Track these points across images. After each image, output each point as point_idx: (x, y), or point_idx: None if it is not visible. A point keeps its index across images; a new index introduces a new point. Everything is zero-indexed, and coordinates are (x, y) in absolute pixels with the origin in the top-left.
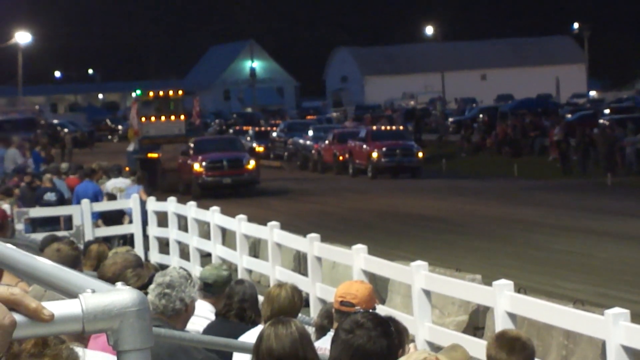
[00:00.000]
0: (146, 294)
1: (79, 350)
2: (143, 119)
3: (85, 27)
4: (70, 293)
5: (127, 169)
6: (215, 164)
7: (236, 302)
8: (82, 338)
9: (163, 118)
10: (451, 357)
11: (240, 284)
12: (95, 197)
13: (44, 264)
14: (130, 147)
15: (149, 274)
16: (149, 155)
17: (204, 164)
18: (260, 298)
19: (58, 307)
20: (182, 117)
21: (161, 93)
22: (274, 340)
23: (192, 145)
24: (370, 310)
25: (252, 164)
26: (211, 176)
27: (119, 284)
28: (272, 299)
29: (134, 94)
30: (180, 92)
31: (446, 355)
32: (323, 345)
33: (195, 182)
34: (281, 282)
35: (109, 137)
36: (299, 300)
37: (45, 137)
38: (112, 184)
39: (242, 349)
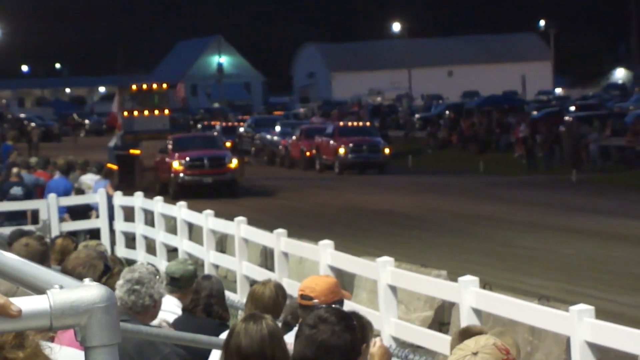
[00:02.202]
0: (107, 285)
1: (52, 346)
2: (125, 113)
3: (53, 22)
4: (38, 289)
5: (107, 165)
6: (196, 163)
7: (203, 297)
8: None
9: (147, 112)
10: (506, 343)
11: (207, 280)
12: (66, 193)
13: (12, 260)
14: (112, 142)
15: (101, 266)
16: (131, 151)
17: (183, 162)
18: (227, 293)
19: (26, 303)
20: (167, 111)
21: (144, 86)
22: (243, 337)
23: (170, 142)
24: (333, 305)
25: (234, 162)
26: (191, 175)
27: (86, 280)
28: (257, 297)
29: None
30: (164, 85)
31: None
32: (288, 340)
33: (174, 181)
34: (265, 280)
35: (75, 131)
36: (283, 298)
37: (15, 131)
38: (89, 178)
39: (209, 344)
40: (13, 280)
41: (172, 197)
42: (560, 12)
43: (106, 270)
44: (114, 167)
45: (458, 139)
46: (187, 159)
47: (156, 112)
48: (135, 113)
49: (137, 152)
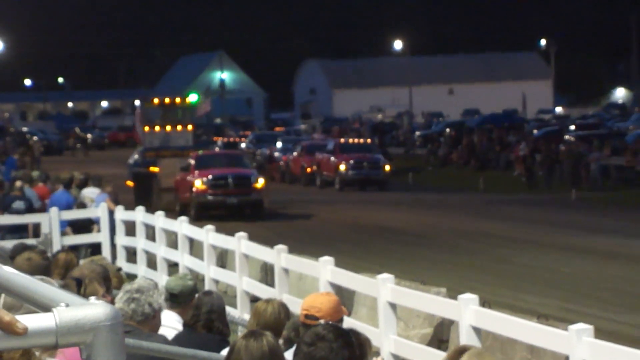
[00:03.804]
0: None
1: None
2: (147, 128)
3: (56, 36)
4: (44, 306)
5: (127, 182)
6: (220, 182)
7: (204, 313)
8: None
9: (169, 127)
10: None
11: (208, 295)
12: (68, 207)
13: (19, 277)
14: (132, 159)
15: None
16: (150, 169)
17: (206, 180)
18: (227, 309)
19: (32, 321)
20: (190, 127)
21: (167, 100)
22: (243, 353)
23: (192, 160)
24: (331, 323)
25: (260, 182)
26: (214, 195)
27: (92, 298)
28: (259, 313)
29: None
30: (187, 99)
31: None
32: (289, 357)
33: (196, 201)
34: (269, 298)
35: (78, 145)
36: (285, 316)
37: (21, 147)
38: (90, 192)
39: None
40: (19, 298)
41: (193, 219)
42: (561, 31)
43: (79, 283)
44: (131, 184)
45: (458, 156)
46: (210, 177)
47: (179, 127)
48: (157, 128)
49: (155, 169)
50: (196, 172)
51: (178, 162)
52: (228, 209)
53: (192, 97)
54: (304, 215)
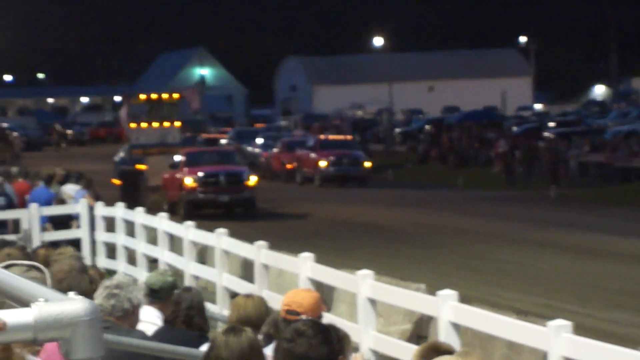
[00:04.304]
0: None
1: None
2: (133, 124)
3: (36, 32)
4: (22, 301)
5: (113, 180)
6: (211, 179)
7: (184, 309)
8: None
9: (156, 124)
10: None
11: (188, 292)
12: (48, 203)
13: None
14: (118, 156)
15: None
16: (137, 167)
17: (197, 177)
18: (207, 305)
19: (10, 316)
20: (177, 123)
21: (154, 95)
22: (223, 349)
23: (182, 157)
24: (311, 318)
25: (252, 180)
26: (205, 192)
27: (71, 294)
28: (239, 308)
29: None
30: (175, 95)
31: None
32: (269, 353)
33: (186, 198)
34: (249, 293)
35: (63, 145)
36: (265, 312)
37: (1, 142)
38: (70, 188)
39: (189, 355)
40: None
41: (183, 217)
42: (541, 28)
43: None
44: (117, 182)
45: (438, 153)
46: (201, 174)
47: (166, 124)
48: (144, 125)
49: (143, 167)
50: (186, 169)
51: (166, 160)
52: (219, 207)
53: (181, 93)
54: (283, 211)
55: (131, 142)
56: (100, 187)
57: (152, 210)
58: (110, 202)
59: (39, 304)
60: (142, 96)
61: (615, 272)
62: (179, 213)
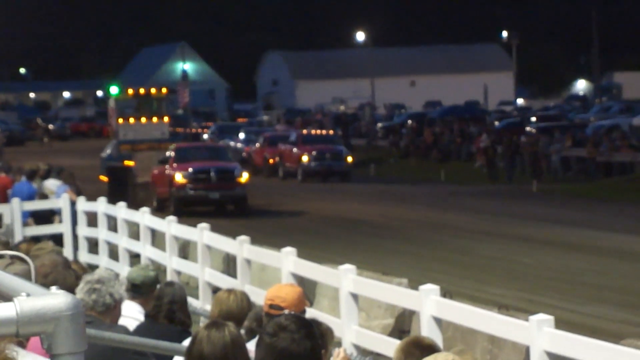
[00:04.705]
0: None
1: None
2: (120, 120)
3: (17, 26)
4: (4, 296)
5: (100, 177)
6: (201, 175)
7: (166, 304)
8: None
9: (144, 119)
10: None
11: (170, 286)
12: (30, 198)
13: None
14: (105, 152)
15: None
16: (125, 163)
17: (187, 174)
18: (189, 300)
19: None
20: (166, 119)
21: (142, 90)
22: (205, 344)
23: (172, 152)
24: (294, 313)
25: (244, 177)
26: (195, 189)
27: (53, 288)
28: (221, 302)
29: (114, 89)
30: (164, 89)
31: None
32: (251, 348)
33: (176, 195)
34: (231, 287)
35: (45, 140)
36: (247, 306)
37: None
38: (51, 183)
39: (172, 350)
40: None
41: (172, 214)
42: (523, 23)
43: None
44: (105, 179)
45: (420, 148)
46: (191, 170)
47: (154, 119)
48: (132, 120)
49: (131, 164)
50: (175, 165)
51: (155, 156)
52: (210, 204)
53: (169, 88)
54: (264, 206)
55: (119, 138)
56: (86, 182)
57: (141, 207)
58: (96, 199)
59: (21, 298)
60: (130, 91)
61: (598, 266)
62: (168, 210)
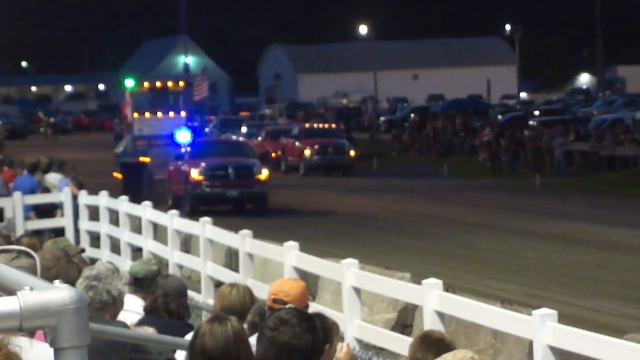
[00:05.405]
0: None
1: (25, 340)
2: (135, 114)
3: (19, 20)
4: (8, 290)
5: (114, 174)
6: (218, 172)
7: (160, 296)
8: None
9: (160, 114)
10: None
11: (164, 279)
12: (32, 192)
13: None
14: (120, 148)
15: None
16: (140, 159)
17: (203, 170)
18: (192, 294)
19: None
20: (183, 113)
21: (158, 84)
22: (208, 338)
23: (188, 148)
24: (295, 307)
25: (264, 173)
26: (212, 187)
27: (56, 282)
28: (223, 297)
29: (129, 82)
30: (181, 83)
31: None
32: (254, 342)
33: (192, 193)
34: (234, 282)
35: (42, 130)
36: (250, 301)
37: None
38: (52, 177)
39: (174, 344)
40: None
41: (188, 213)
42: (526, 16)
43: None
44: (119, 176)
45: (422, 141)
46: (208, 166)
47: (171, 113)
48: (147, 114)
49: (146, 159)
50: (192, 161)
51: (171, 152)
52: (227, 202)
53: (186, 81)
54: (268, 200)
55: (134, 134)
56: (88, 176)
57: (156, 205)
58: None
59: (25, 292)
60: (146, 84)
61: (602, 261)
62: (184, 209)
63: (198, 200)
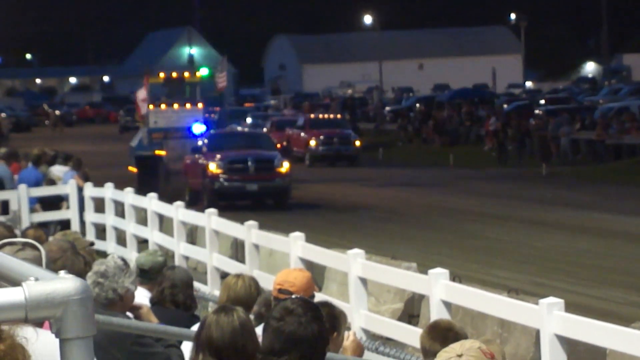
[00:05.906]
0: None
1: (31, 331)
2: (151, 106)
3: (23, 12)
4: (13, 281)
5: (129, 168)
6: (238, 165)
7: (167, 288)
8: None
9: (176, 106)
10: (493, 350)
11: (170, 270)
12: (37, 184)
13: None
14: (135, 141)
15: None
16: (156, 152)
17: (221, 163)
18: (198, 285)
19: (1, 295)
20: (200, 105)
21: (174, 75)
22: (214, 329)
23: (205, 140)
24: (301, 296)
25: (285, 166)
26: (231, 180)
27: (62, 272)
28: (229, 287)
29: (204, 71)
30: (198, 74)
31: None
32: (260, 332)
33: (210, 187)
34: (240, 272)
35: (46, 122)
36: (256, 291)
37: None
38: (57, 169)
39: (180, 335)
40: None
41: (206, 207)
42: (531, 5)
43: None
44: (134, 169)
45: (428, 131)
46: (227, 159)
47: (188, 105)
48: (163, 106)
49: (162, 153)
50: (210, 154)
51: (188, 145)
52: (247, 197)
53: (203, 71)
54: None
55: (149, 126)
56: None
57: (173, 199)
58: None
59: (30, 282)
60: (162, 75)
61: (608, 249)
62: (201, 204)
63: (216, 194)
